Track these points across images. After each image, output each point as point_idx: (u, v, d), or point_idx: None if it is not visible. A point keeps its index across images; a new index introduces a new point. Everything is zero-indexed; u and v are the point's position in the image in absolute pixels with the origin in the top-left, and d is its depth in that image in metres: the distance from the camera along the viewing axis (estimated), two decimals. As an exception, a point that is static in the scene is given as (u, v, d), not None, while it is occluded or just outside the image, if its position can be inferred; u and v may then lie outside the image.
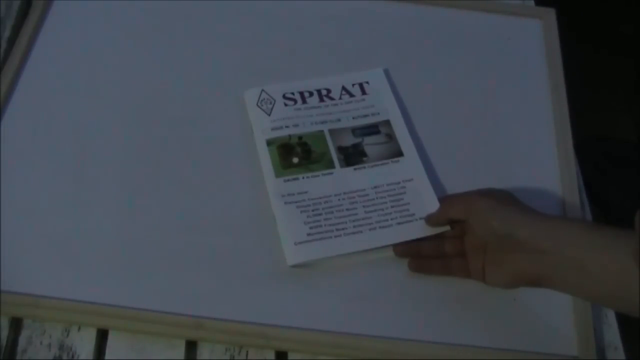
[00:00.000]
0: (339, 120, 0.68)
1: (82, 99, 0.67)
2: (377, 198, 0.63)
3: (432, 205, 0.62)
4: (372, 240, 0.60)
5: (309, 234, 0.60)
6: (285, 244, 0.59)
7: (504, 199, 0.56)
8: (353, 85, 0.70)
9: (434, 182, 0.64)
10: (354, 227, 0.61)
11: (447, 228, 0.60)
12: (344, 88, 0.70)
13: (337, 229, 0.60)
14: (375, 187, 0.64)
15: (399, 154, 0.66)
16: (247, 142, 0.66)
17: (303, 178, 0.63)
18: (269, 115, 0.67)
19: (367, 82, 0.71)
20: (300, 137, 0.66)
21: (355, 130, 0.67)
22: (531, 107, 0.72)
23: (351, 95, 0.70)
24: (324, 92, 0.70)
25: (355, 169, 0.65)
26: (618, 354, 0.59)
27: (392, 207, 0.62)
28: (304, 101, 0.69)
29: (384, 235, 0.61)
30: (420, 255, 0.60)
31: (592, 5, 1.45)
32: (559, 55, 0.76)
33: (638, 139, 1.37)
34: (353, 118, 0.68)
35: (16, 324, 0.55)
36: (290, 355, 0.55)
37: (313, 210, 0.61)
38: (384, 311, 0.57)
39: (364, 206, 0.62)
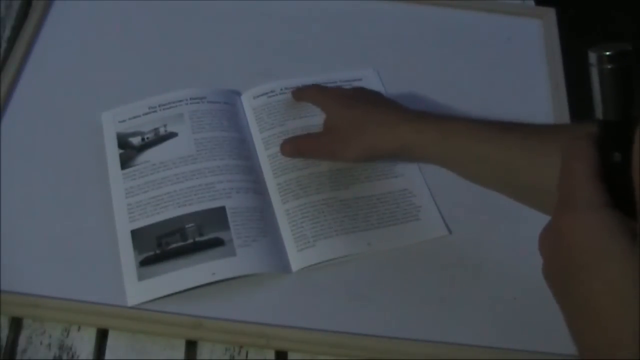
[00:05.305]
0: None
1: (82, 99, 0.67)
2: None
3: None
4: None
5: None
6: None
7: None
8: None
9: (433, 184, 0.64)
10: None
11: None
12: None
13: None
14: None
15: None
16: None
17: None
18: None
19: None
20: None
21: None
22: (531, 107, 0.72)
23: None
24: None
25: None
26: (618, 354, 0.59)
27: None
28: None
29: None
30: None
31: (592, 4, 1.45)
32: (559, 55, 0.76)
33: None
34: None
35: (16, 324, 0.54)
36: (290, 355, 0.55)
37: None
38: (384, 311, 0.57)
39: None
